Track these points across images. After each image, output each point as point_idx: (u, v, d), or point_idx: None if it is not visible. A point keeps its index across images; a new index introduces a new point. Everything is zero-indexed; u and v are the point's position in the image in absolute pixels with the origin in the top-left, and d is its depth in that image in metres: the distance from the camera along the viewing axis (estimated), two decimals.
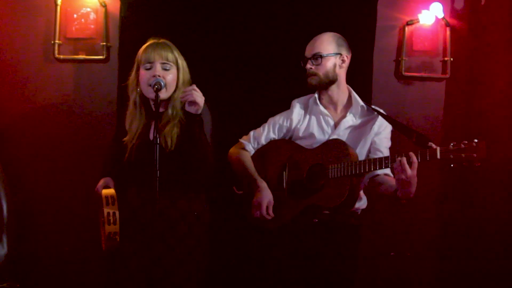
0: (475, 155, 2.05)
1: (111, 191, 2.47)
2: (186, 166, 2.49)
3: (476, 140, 2.06)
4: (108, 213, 2.39)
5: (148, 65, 2.46)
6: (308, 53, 2.62)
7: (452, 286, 3.55)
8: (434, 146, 2.16)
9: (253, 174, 2.65)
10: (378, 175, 2.51)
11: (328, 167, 2.45)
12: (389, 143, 2.62)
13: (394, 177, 2.25)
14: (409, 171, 2.15)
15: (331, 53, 2.58)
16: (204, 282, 2.59)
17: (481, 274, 3.35)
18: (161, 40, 2.55)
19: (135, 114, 2.54)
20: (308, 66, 2.61)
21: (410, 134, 2.37)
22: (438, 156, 2.13)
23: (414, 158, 2.16)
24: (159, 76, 2.42)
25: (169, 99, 2.51)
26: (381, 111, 2.63)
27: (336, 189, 2.42)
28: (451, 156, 2.10)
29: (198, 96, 2.34)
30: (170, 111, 2.50)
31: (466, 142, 2.08)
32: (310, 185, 2.51)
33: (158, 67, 2.45)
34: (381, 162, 2.32)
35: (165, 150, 2.41)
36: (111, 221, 2.40)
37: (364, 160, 2.38)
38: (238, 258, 3.38)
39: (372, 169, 2.35)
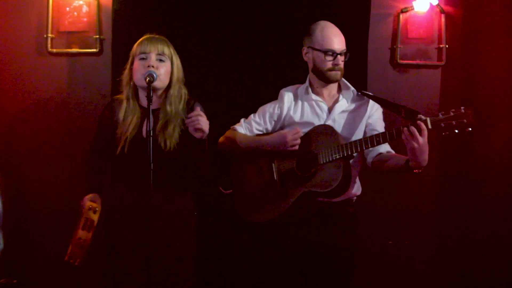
0: (465, 120, 2.09)
1: (96, 204, 2.50)
2: (182, 166, 2.48)
3: (463, 107, 2.11)
4: (87, 218, 2.45)
5: (143, 55, 2.42)
6: (338, 47, 2.54)
7: (451, 275, 3.55)
8: (423, 117, 2.19)
9: (256, 138, 2.66)
10: (381, 153, 2.51)
11: (318, 153, 2.45)
12: (383, 124, 2.64)
13: (407, 147, 2.24)
14: (420, 138, 2.17)
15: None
16: (199, 278, 2.60)
17: (480, 261, 3.35)
18: (157, 35, 2.52)
19: (128, 109, 2.50)
20: (341, 61, 2.55)
21: (398, 110, 2.39)
22: (430, 126, 2.16)
23: (423, 126, 2.17)
24: (153, 66, 2.39)
25: (165, 96, 2.49)
26: (369, 93, 2.63)
27: (329, 173, 2.42)
28: (442, 125, 2.14)
29: (204, 123, 2.27)
30: (168, 108, 2.46)
31: (454, 110, 2.12)
32: (302, 173, 2.51)
33: (153, 57, 2.42)
34: (372, 141, 2.33)
35: (163, 149, 2.40)
36: (87, 227, 2.45)
37: (355, 141, 2.38)
38: (235, 251, 3.38)
39: (364, 148, 2.36)
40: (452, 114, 2.11)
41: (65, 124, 3.42)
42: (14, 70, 3.42)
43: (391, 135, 2.28)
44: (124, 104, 2.50)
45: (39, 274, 3.43)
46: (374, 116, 2.61)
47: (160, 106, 2.48)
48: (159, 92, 2.47)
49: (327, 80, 2.59)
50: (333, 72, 2.55)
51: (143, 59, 2.42)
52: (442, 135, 2.17)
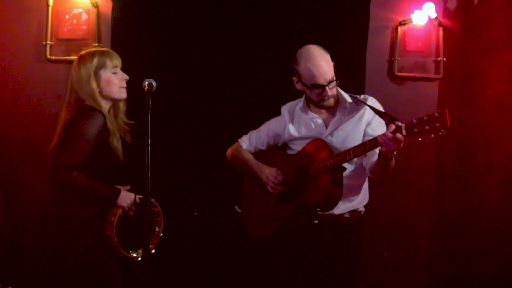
0: (437, 124, 2.06)
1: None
2: None
3: (437, 110, 2.07)
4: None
5: (115, 70, 2.52)
6: (323, 80, 2.48)
7: (449, 284, 3.56)
8: (400, 123, 2.19)
9: (250, 161, 2.79)
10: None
11: (310, 166, 2.48)
12: (384, 128, 2.49)
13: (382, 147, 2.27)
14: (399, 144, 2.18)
15: (334, 71, 2.54)
16: None
17: (475, 273, 3.36)
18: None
19: (113, 121, 2.54)
20: (330, 93, 2.52)
21: (383, 117, 2.40)
22: (404, 133, 2.15)
23: (400, 136, 2.16)
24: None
25: (114, 109, 2.58)
26: (369, 102, 2.58)
27: (317, 185, 2.44)
28: (416, 130, 2.12)
29: None
30: (121, 122, 2.60)
31: (429, 113, 2.09)
32: (296, 187, 2.55)
33: (120, 71, 2.56)
34: (354, 151, 2.33)
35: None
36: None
37: (340, 153, 2.39)
38: (238, 263, 3.40)
39: (347, 158, 2.35)
40: (425, 118, 2.09)
41: None
42: (13, 76, 3.43)
43: (370, 144, 2.27)
44: (109, 116, 2.50)
45: (35, 280, 3.41)
46: (373, 124, 2.58)
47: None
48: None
49: (321, 108, 2.62)
50: (324, 103, 2.57)
51: (115, 73, 2.51)
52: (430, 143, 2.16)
